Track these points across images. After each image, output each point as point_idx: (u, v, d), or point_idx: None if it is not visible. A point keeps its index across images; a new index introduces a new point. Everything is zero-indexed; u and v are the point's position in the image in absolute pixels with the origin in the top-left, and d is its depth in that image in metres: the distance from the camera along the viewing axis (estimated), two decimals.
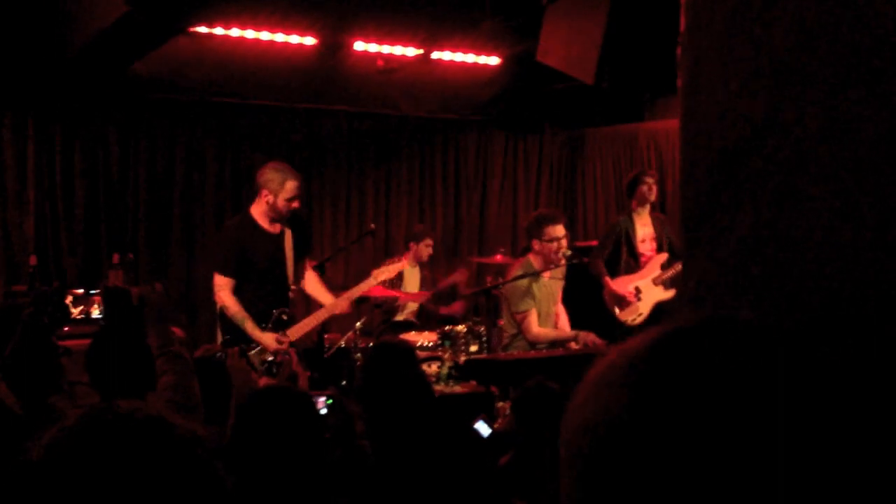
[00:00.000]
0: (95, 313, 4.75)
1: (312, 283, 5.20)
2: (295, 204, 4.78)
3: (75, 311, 4.49)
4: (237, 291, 4.75)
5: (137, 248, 6.92)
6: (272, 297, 4.83)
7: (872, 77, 1.24)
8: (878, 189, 1.21)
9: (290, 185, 4.73)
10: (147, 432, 1.08)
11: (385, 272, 5.22)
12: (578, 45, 4.16)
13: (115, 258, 6.49)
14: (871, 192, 1.22)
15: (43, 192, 6.59)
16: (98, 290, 5.04)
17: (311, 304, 5.61)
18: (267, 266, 4.82)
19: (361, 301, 6.63)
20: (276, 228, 4.87)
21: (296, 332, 4.88)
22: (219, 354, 4.51)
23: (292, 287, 4.99)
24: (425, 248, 7.01)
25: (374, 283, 5.16)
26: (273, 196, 4.74)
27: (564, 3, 4.30)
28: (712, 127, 1.45)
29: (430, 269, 7.17)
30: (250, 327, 4.71)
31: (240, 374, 4.43)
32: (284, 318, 4.88)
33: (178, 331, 3.75)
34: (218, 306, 4.85)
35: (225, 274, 4.75)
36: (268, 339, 4.76)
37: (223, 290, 4.74)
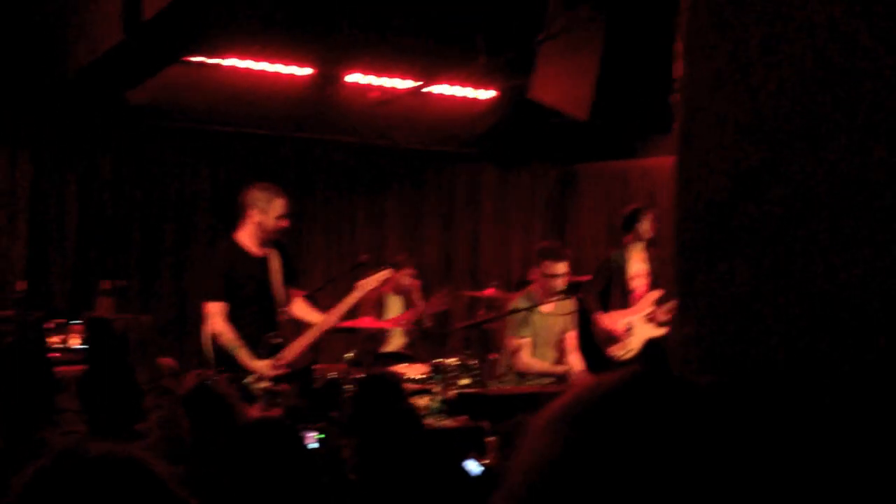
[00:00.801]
0: (75, 343, 4.71)
1: (300, 307, 5.17)
2: (284, 223, 4.76)
3: (56, 340, 4.44)
4: (228, 318, 4.72)
5: (129, 275, 6.89)
6: (261, 322, 4.79)
7: (875, 124, 1.25)
8: (883, 236, 1.21)
9: (279, 203, 4.73)
10: (120, 474, 1.07)
11: (370, 282, 5.17)
12: (572, 82, 4.20)
13: (106, 285, 6.45)
14: (876, 239, 1.22)
15: (34, 217, 6.57)
16: (80, 320, 4.99)
17: (300, 329, 5.58)
18: (255, 290, 4.79)
19: (350, 332, 6.61)
20: (262, 252, 4.84)
21: (290, 354, 4.84)
22: (209, 381, 4.47)
23: (281, 311, 4.95)
24: (405, 278, 7.00)
25: (360, 294, 5.12)
26: (262, 215, 4.72)
27: (558, 41, 4.34)
28: (708, 174, 1.45)
29: (411, 301, 7.15)
30: (244, 355, 4.66)
31: (229, 403, 4.39)
32: (277, 341, 4.84)
33: (168, 361, 3.74)
34: (208, 339, 4.79)
35: (217, 299, 4.70)
36: (263, 366, 4.71)
37: (216, 316, 4.68)
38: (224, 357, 4.70)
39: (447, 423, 5.46)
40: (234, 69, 6.56)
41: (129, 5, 4.44)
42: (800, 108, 1.29)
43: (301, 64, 6.75)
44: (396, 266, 7.06)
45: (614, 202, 8.47)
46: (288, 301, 5.08)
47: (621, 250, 6.64)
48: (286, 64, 6.69)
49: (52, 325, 4.68)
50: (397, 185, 8.20)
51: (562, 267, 5.35)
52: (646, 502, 0.67)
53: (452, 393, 5.80)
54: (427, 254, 8.33)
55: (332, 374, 5.84)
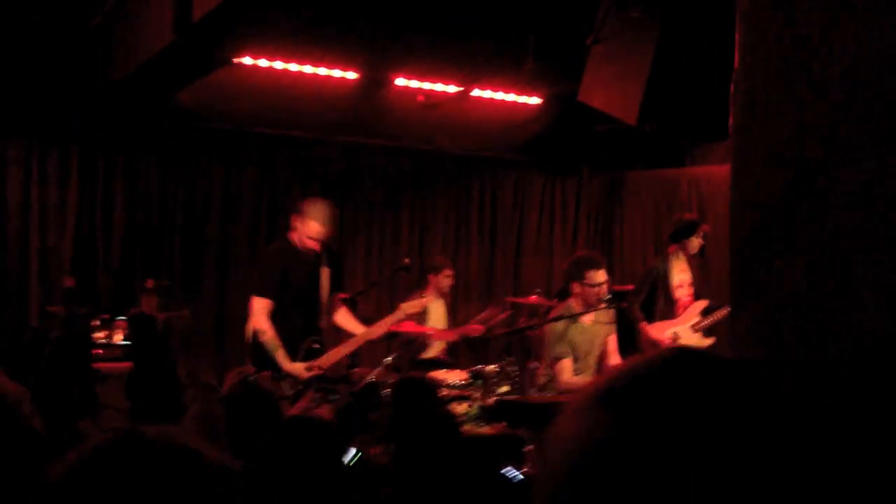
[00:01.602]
0: (119, 339, 4.77)
1: (343, 315, 5.23)
2: (311, 244, 4.81)
3: (100, 336, 4.50)
4: (272, 316, 4.76)
5: (172, 274, 6.96)
6: (304, 325, 4.85)
7: None
8: None
9: (312, 226, 4.79)
10: (172, 459, 1.05)
11: (413, 306, 5.25)
12: (622, 86, 4.12)
13: (150, 283, 6.53)
14: None
15: (83, 215, 6.68)
16: (123, 317, 5.05)
17: (341, 337, 5.59)
18: (303, 291, 4.86)
19: (392, 337, 6.60)
20: (313, 256, 4.91)
21: (326, 360, 4.89)
22: (251, 377, 4.48)
23: (324, 316, 4.98)
24: (445, 279, 6.95)
25: (402, 316, 5.18)
26: (300, 226, 4.83)
27: (609, 44, 4.27)
28: (765, 169, 1.39)
29: (451, 301, 7.12)
30: (281, 356, 4.71)
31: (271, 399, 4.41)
32: (315, 346, 4.88)
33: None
34: (250, 333, 4.82)
35: (264, 295, 4.77)
36: (298, 368, 4.75)
37: (260, 314, 4.75)
38: (261, 354, 4.74)
39: (485, 430, 5.39)
40: (281, 72, 6.59)
41: (179, 6, 4.48)
42: (863, 102, 1.22)
43: (348, 67, 6.75)
44: (434, 270, 7.03)
45: (662, 211, 8.35)
46: (333, 308, 5.12)
47: (664, 259, 6.53)
48: (333, 67, 6.70)
49: (97, 321, 4.74)
50: (442, 189, 8.17)
51: (602, 275, 5.26)
52: (685, 483, 0.66)
53: (491, 400, 5.74)
54: (471, 259, 8.28)
55: (371, 378, 5.82)
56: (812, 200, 1.33)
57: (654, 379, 0.73)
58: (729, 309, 5.53)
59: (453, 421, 4.46)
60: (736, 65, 1.46)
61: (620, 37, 4.19)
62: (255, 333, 4.77)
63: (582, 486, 0.70)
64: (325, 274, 4.95)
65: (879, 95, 1.23)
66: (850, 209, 1.28)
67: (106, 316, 4.79)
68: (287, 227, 5.03)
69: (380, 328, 5.11)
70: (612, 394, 0.73)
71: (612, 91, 4.26)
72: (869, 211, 1.25)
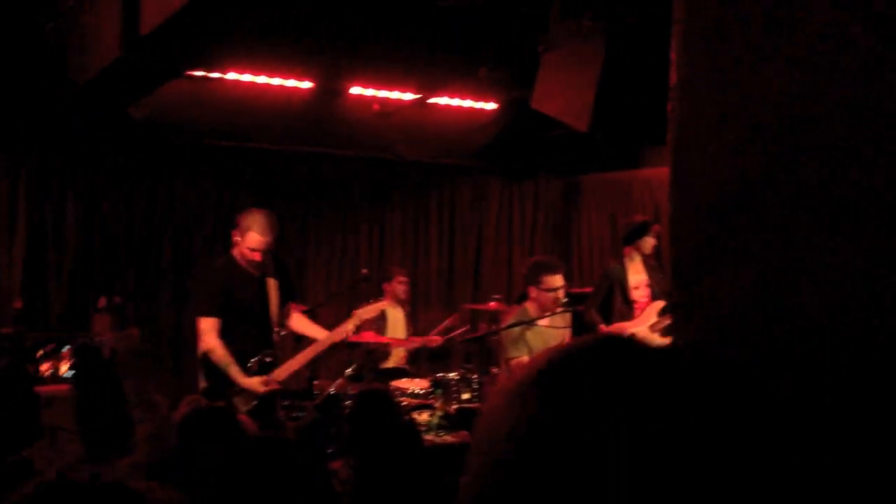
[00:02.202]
0: (65, 370, 4.68)
1: (298, 321, 5.20)
2: (255, 256, 4.74)
3: (46, 367, 4.41)
4: (222, 334, 4.71)
5: (128, 292, 6.86)
6: (256, 339, 4.80)
7: (877, 131, 1.21)
8: (883, 243, 1.17)
9: (252, 237, 4.72)
10: (105, 501, 1.03)
11: (367, 311, 5.23)
12: (573, 92, 4.16)
13: (102, 302, 6.42)
14: (876, 249, 1.18)
15: (32, 234, 6.55)
16: (69, 346, 4.95)
17: (300, 346, 5.55)
18: (251, 306, 4.81)
19: (352, 347, 6.57)
20: (259, 270, 4.85)
21: (282, 372, 4.85)
22: (205, 406, 4.44)
23: (276, 330, 4.95)
24: (399, 286, 6.97)
25: (357, 322, 5.17)
26: (240, 241, 4.77)
27: (561, 51, 4.31)
28: (705, 182, 1.40)
29: (411, 308, 7.13)
30: (235, 372, 4.67)
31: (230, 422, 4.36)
32: (268, 360, 4.85)
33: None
34: (201, 352, 4.78)
35: (210, 315, 4.71)
36: (254, 383, 4.71)
37: (209, 333, 4.69)
38: (215, 373, 4.70)
39: (448, 438, 5.40)
40: (235, 83, 6.54)
41: (126, 21, 4.42)
42: (800, 115, 1.25)
43: (303, 77, 6.72)
44: (387, 278, 7.03)
45: (618, 213, 8.43)
46: (286, 317, 5.08)
47: (621, 262, 6.59)
48: (288, 77, 6.67)
49: (41, 351, 4.64)
50: (400, 197, 8.17)
51: (559, 279, 5.30)
52: (615, 465, 0.66)
53: (454, 407, 5.74)
54: (430, 266, 8.28)
55: (332, 390, 5.79)
56: (752, 212, 1.35)
57: (583, 362, 0.73)
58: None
59: (415, 431, 4.45)
60: (672, 81, 1.48)
61: (570, 44, 4.22)
62: (206, 353, 4.73)
63: (513, 468, 0.70)
64: (272, 285, 4.90)
65: (815, 111, 1.26)
66: (789, 220, 1.30)
67: (51, 346, 4.70)
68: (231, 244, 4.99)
69: (336, 335, 5.09)
70: (542, 377, 0.73)
71: (563, 98, 4.29)
72: (808, 222, 1.27)
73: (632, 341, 0.76)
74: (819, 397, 1.19)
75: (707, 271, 1.32)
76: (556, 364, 0.74)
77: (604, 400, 0.69)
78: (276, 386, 4.77)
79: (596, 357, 0.73)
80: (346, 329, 5.13)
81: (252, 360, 4.78)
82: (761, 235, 1.31)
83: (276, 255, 5.03)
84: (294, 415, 5.69)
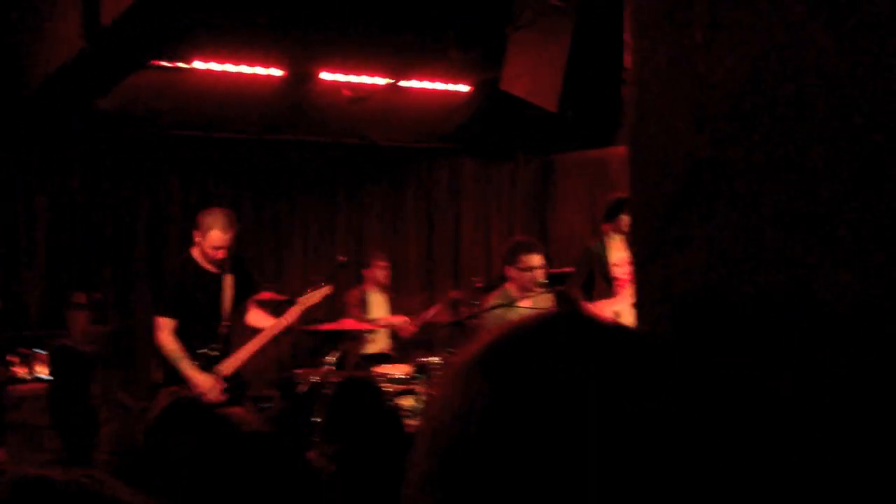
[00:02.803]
0: (41, 372, 4.65)
1: (255, 316, 5.24)
2: (219, 254, 4.81)
3: (21, 371, 4.37)
4: (177, 331, 4.81)
5: (103, 287, 6.80)
6: (205, 335, 4.88)
7: (818, 109, 1.20)
8: (833, 219, 1.17)
9: (214, 235, 4.78)
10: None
11: (311, 297, 5.26)
12: (542, 73, 4.13)
13: (82, 298, 6.36)
14: (826, 222, 1.18)
15: (4, 233, 6.48)
16: (43, 350, 4.93)
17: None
18: (205, 304, 4.89)
19: (334, 334, 6.55)
20: (216, 268, 4.93)
21: (228, 366, 4.91)
22: (183, 397, 4.44)
23: (225, 323, 4.99)
24: (379, 271, 6.97)
25: (301, 309, 5.19)
26: (202, 240, 4.83)
27: (528, 32, 4.27)
28: (660, 166, 1.39)
29: (392, 293, 7.12)
30: (185, 366, 4.75)
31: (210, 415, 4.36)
32: (213, 354, 4.90)
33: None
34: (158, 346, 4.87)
35: (167, 315, 4.81)
36: (203, 378, 4.77)
37: (163, 330, 4.79)
38: (170, 369, 4.78)
39: None
40: (203, 72, 6.46)
41: (87, 12, 4.35)
42: (746, 100, 1.23)
43: (272, 64, 6.65)
44: (365, 264, 7.03)
45: (595, 191, 8.42)
46: (241, 313, 5.14)
47: (601, 240, 6.59)
48: (255, 65, 6.59)
49: (15, 357, 4.60)
50: (375, 183, 8.12)
51: (537, 259, 5.28)
52: (565, 451, 0.65)
53: None
54: (408, 251, 8.26)
55: (315, 378, 5.77)
56: (703, 197, 1.34)
57: (528, 340, 0.71)
58: None
59: (397, 416, 4.45)
60: (627, 65, 1.46)
61: (538, 24, 4.19)
62: (159, 350, 4.82)
63: (459, 448, 0.68)
64: (227, 282, 4.97)
65: (759, 96, 1.25)
66: (737, 205, 1.30)
67: (26, 350, 4.67)
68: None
69: (280, 324, 5.11)
70: (488, 355, 0.71)
71: (532, 79, 4.27)
72: (756, 205, 1.27)
73: (578, 317, 0.73)
74: (774, 382, 1.18)
75: (661, 256, 1.32)
76: (502, 342, 0.72)
77: (550, 377, 0.67)
78: (221, 382, 4.80)
79: (539, 334, 0.71)
80: (291, 317, 5.14)
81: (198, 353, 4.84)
82: (710, 223, 1.30)
83: (237, 252, 5.09)
84: (263, 405, 5.68)
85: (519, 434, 0.66)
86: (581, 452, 0.65)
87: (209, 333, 4.90)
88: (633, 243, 1.41)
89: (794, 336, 1.21)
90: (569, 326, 0.72)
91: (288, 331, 5.51)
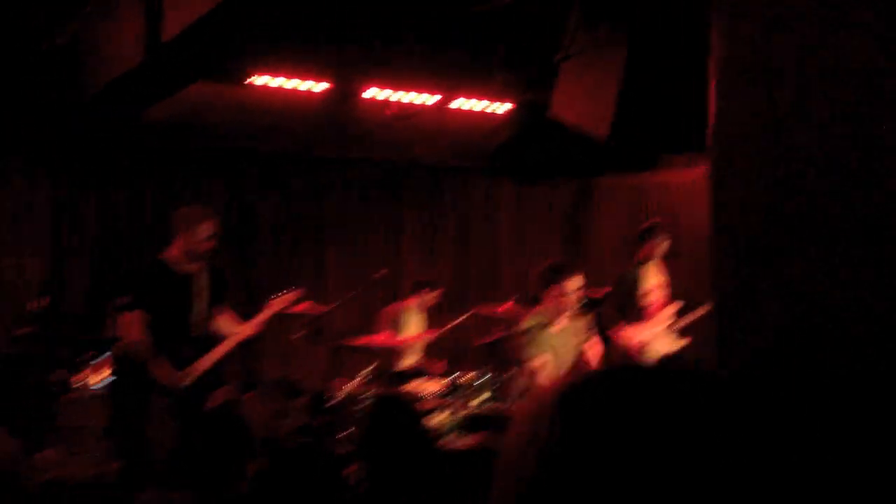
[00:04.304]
0: (97, 381, 4.71)
1: (224, 322, 5.17)
2: (210, 244, 4.86)
3: (78, 379, 4.44)
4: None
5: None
6: (175, 337, 4.84)
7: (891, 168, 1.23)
8: None
9: (205, 226, 4.84)
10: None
11: (281, 301, 5.26)
12: (592, 102, 4.17)
13: (122, 301, 6.45)
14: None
15: (53, 235, 6.60)
16: (102, 355, 4.97)
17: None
18: (173, 307, 4.87)
19: (368, 349, 6.60)
20: (189, 269, 4.92)
21: (198, 367, 4.86)
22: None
23: (194, 326, 4.97)
24: (432, 298, 7.04)
25: (270, 312, 5.18)
26: (188, 237, 4.84)
27: (578, 60, 4.32)
28: (744, 219, 1.43)
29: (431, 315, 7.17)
30: (154, 366, 4.70)
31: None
32: (186, 356, 4.87)
33: None
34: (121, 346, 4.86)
35: (131, 310, 4.80)
36: (171, 378, 4.75)
37: (131, 325, 4.78)
38: (136, 367, 4.72)
39: (465, 441, 5.42)
40: (251, 86, 6.55)
41: (149, 27, 4.45)
42: (834, 163, 1.27)
43: (318, 79, 6.74)
44: (424, 286, 7.09)
45: (632, 215, 8.42)
46: (210, 318, 5.07)
47: (636, 265, 6.60)
48: (303, 79, 6.68)
49: (76, 360, 4.64)
50: (414, 200, 8.18)
51: (575, 282, 5.30)
52: (636, 490, 0.69)
53: (471, 409, 5.76)
54: (444, 269, 8.30)
55: (348, 390, 5.82)
56: (792, 244, 1.38)
57: (603, 386, 0.76)
58: (701, 311, 5.54)
59: (430, 439, 4.47)
60: (711, 116, 1.50)
61: (589, 53, 4.24)
62: (126, 346, 4.80)
63: (535, 491, 0.73)
64: (202, 282, 4.96)
65: (848, 159, 1.28)
66: (828, 257, 1.33)
67: (90, 354, 4.72)
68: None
69: (249, 328, 5.10)
70: (564, 400, 0.76)
71: (582, 107, 4.30)
72: (839, 259, 1.30)
73: (650, 367, 0.79)
74: (864, 436, 1.21)
75: (749, 304, 1.35)
76: (577, 387, 0.77)
77: (624, 423, 0.72)
78: (189, 382, 4.78)
79: (616, 382, 0.76)
80: (259, 321, 5.14)
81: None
82: (802, 269, 1.33)
83: (210, 260, 5.06)
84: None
85: (592, 471, 0.71)
86: (650, 488, 0.69)
87: (179, 336, 4.86)
88: (717, 285, 1.44)
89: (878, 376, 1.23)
90: (635, 374, 0.77)
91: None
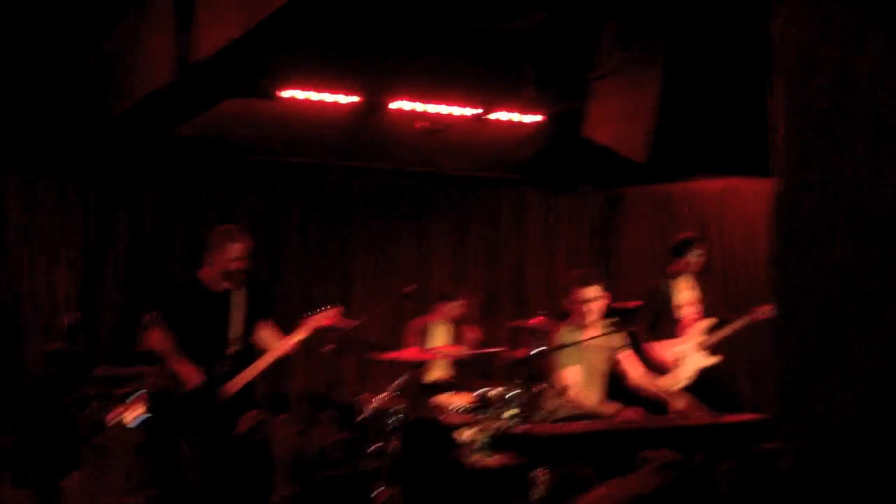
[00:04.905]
0: (132, 418, 4.77)
1: (265, 336, 5.21)
2: (240, 265, 4.93)
3: (113, 417, 4.49)
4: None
5: None
6: (209, 355, 4.91)
7: None
8: None
9: (234, 247, 4.92)
10: None
11: (319, 319, 5.26)
12: (628, 123, 4.12)
13: (148, 318, 6.48)
14: None
15: (85, 250, 6.64)
16: (137, 392, 5.05)
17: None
18: (205, 325, 4.95)
19: (396, 363, 6.57)
20: (221, 287, 4.99)
21: (234, 385, 4.93)
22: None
23: (232, 344, 5.01)
24: (458, 308, 6.97)
25: (307, 331, 5.19)
26: (219, 257, 4.93)
27: (613, 79, 4.27)
28: (811, 285, 1.38)
29: (460, 328, 7.10)
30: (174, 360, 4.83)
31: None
32: (222, 373, 4.94)
33: None
34: None
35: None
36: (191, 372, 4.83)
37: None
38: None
39: (493, 460, 5.37)
40: (280, 99, 6.54)
41: (180, 47, 4.45)
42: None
43: (346, 92, 6.71)
44: (447, 297, 7.04)
45: (661, 225, 8.35)
46: (248, 335, 5.11)
47: (668, 279, 6.52)
48: (334, 92, 6.66)
49: (111, 393, 4.71)
50: (441, 211, 8.15)
51: (593, 291, 5.26)
52: None
53: (499, 424, 5.71)
54: (472, 281, 8.26)
55: (377, 404, 5.80)
56: (859, 324, 1.32)
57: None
58: (734, 326, 5.47)
59: (461, 462, 4.44)
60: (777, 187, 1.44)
61: (624, 72, 4.18)
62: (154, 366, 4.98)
63: None
64: (239, 300, 5.02)
65: None
66: (889, 329, 1.27)
67: (120, 391, 4.79)
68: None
69: (286, 345, 5.12)
70: None
71: (618, 127, 4.25)
72: None
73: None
74: None
75: (814, 383, 1.30)
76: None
77: None
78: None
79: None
80: (296, 339, 5.15)
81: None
82: (867, 346, 1.28)
83: (253, 277, 5.14)
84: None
85: None
86: None
87: (215, 354, 4.93)
88: (780, 369, 1.39)
89: None
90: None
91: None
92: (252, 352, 5.08)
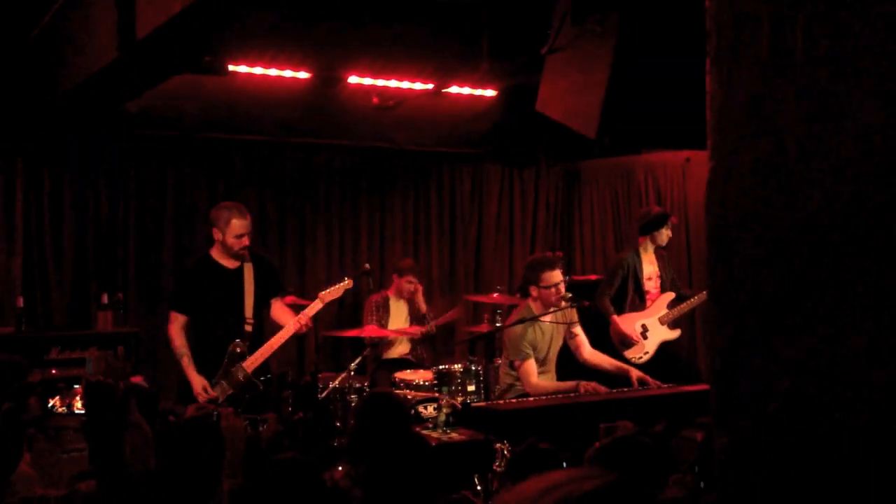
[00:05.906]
0: (78, 407, 4.69)
1: (276, 311, 5.28)
2: (243, 241, 4.96)
3: (59, 405, 4.41)
4: (193, 326, 4.98)
5: (127, 288, 6.81)
6: (228, 330, 5.00)
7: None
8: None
9: (235, 224, 4.94)
10: None
11: (332, 293, 5.32)
12: (580, 98, 4.09)
13: (104, 298, 6.37)
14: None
15: (31, 231, 6.49)
16: (80, 384, 4.96)
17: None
18: (223, 301, 5.01)
19: (355, 341, 6.54)
20: (234, 264, 5.05)
21: (252, 362, 5.02)
22: (215, 414, 4.43)
23: (249, 321, 5.08)
24: (406, 284, 6.98)
25: (321, 305, 5.25)
26: (221, 234, 4.96)
27: (565, 54, 4.22)
28: (748, 291, 1.35)
29: (415, 304, 7.10)
30: (185, 363, 4.90)
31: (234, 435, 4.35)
32: (238, 350, 5.01)
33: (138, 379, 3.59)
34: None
35: (178, 310, 5.00)
36: (196, 381, 4.90)
37: (172, 324, 4.98)
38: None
39: (454, 436, 5.39)
40: (231, 74, 6.41)
41: (122, 25, 4.33)
42: (846, 221, 1.20)
43: (300, 67, 6.60)
44: (399, 272, 7.04)
45: (620, 199, 8.37)
46: (263, 310, 5.19)
47: (635, 251, 6.55)
48: (285, 68, 6.55)
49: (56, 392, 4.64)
50: (400, 187, 8.09)
51: (557, 275, 5.32)
52: None
53: (458, 399, 5.72)
54: (431, 256, 8.23)
55: (335, 384, 5.78)
56: (792, 315, 1.31)
57: None
58: (695, 301, 5.50)
59: (420, 436, 4.43)
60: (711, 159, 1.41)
61: (576, 47, 4.14)
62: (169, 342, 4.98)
63: None
64: (248, 275, 5.06)
65: (855, 224, 1.21)
66: (820, 331, 1.26)
67: (61, 385, 4.69)
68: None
69: (300, 319, 5.14)
70: None
71: (570, 102, 4.22)
72: (838, 332, 1.23)
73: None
74: None
75: (743, 373, 1.28)
76: None
77: None
78: (207, 398, 4.84)
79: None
80: (310, 313, 5.19)
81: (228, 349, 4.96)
82: (792, 346, 1.27)
83: (256, 253, 5.19)
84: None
85: None
86: None
87: (234, 330, 5.00)
88: (715, 354, 1.38)
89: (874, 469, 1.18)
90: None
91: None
92: (263, 328, 5.15)
